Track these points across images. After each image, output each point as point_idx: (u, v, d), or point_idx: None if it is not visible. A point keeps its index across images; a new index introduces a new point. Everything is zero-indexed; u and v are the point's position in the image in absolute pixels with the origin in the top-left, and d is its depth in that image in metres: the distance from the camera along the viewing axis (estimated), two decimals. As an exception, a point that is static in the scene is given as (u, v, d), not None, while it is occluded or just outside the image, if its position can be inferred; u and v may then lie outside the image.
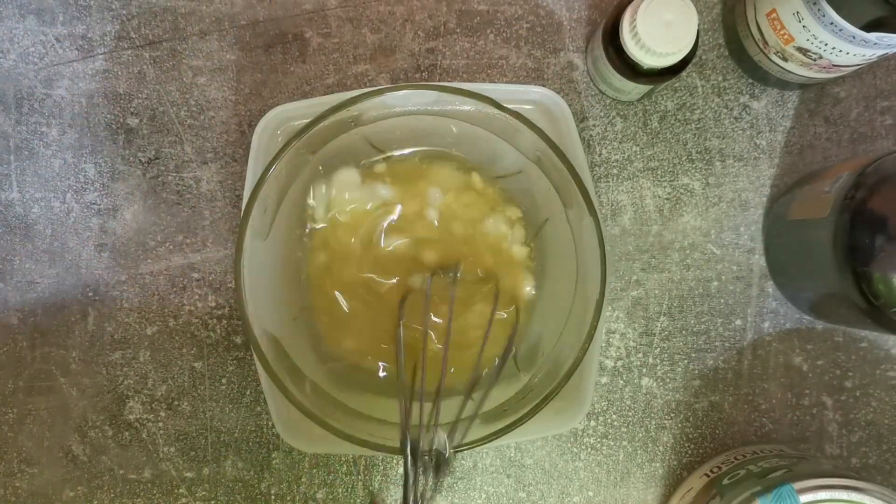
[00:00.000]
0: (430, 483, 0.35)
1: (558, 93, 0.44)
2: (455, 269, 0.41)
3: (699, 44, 0.45)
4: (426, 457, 0.35)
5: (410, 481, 0.34)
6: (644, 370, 0.47)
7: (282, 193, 0.40)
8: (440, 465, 0.35)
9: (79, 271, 0.47)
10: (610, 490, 0.48)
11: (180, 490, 0.47)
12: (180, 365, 0.47)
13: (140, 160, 0.48)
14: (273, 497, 0.47)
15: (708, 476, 0.44)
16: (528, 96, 0.42)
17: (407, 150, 0.43)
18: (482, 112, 0.38)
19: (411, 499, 0.34)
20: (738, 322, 0.48)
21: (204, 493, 0.47)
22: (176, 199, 0.47)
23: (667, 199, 0.48)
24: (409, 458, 0.35)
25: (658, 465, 0.48)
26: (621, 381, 0.47)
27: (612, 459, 0.47)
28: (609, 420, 0.47)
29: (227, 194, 0.47)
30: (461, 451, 0.37)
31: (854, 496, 0.37)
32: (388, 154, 0.43)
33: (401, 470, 0.47)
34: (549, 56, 0.48)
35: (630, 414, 0.47)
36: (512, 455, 0.47)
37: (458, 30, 0.48)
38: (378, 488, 0.47)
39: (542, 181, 0.41)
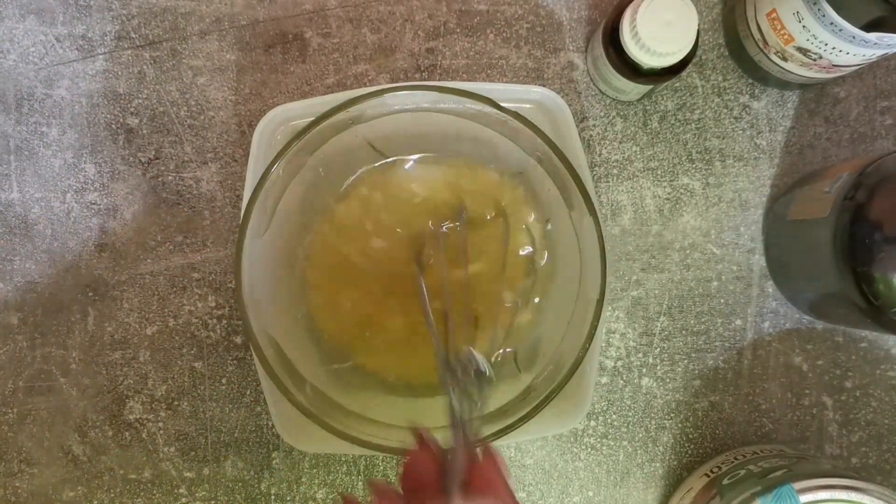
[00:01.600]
0: (474, 404, 0.34)
1: (558, 93, 0.44)
2: (461, 213, 0.41)
3: (699, 44, 0.45)
4: (465, 375, 0.35)
5: (454, 403, 0.33)
6: (644, 370, 0.47)
7: (280, 193, 0.40)
8: (482, 383, 0.35)
9: (79, 271, 0.47)
10: (610, 490, 0.48)
11: (180, 490, 0.47)
12: (180, 365, 0.47)
13: (140, 160, 0.48)
14: (273, 497, 0.47)
15: (708, 476, 0.44)
16: (528, 96, 0.42)
17: (407, 152, 0.43)
18: (482, 112, 0.38)
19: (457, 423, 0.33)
20: (738, 322, 0.48)
21: (204, 493, 0.47)
22: (176, 199, 0.47)
23: (667, 199, 0.48)
24: (449, 376, 0.34)
25: (658, 465, 0.48)
26: (621, 381, 0.47)
27: (612, 459, 0.47)
28: (609, 420, 0.47)
29: (227, 194, 0.47)
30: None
31: (854, 496, 0.37)
32: (388, 155, 0.43)
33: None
34: (549, 56, 0.48)
35: (630, 414, 0.47)
36: (512, 455, 0.47)
37: (458, 30, 0.48)
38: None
39: (542, 182, 0.41)
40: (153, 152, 0.48)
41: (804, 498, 0.37)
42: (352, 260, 0.43)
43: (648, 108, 0.48)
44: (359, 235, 0.43)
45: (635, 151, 0.48)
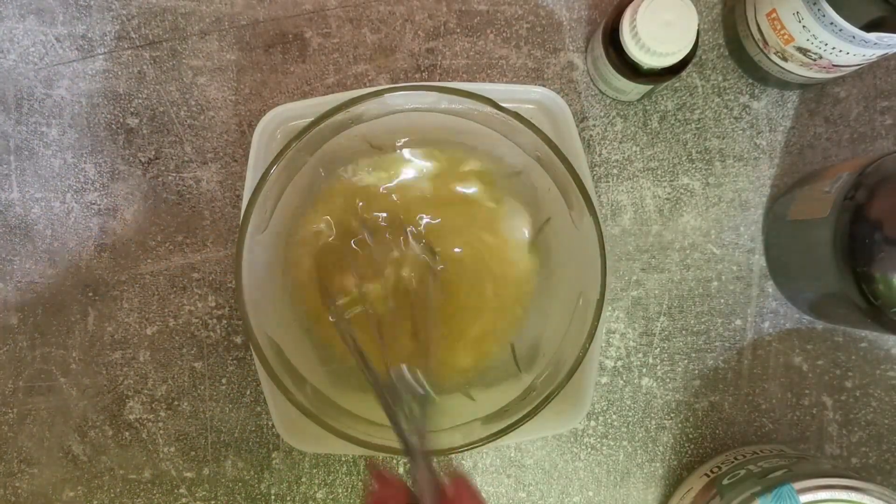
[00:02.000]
0: (419, 424, 0.33)
1: (558, 93, 0.44)
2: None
3: (699, 44, 0.45)
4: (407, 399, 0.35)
5: (402, 425, 0.33)
6: (644, 370, 0.47)
7: (280, 193, 0.40)
8: (422, 402, 0.35)
9: (79, 271, 0.47)
10: (610, 490, 0.48)
11: (180, 490, 0.47)
12: (180, 365, 0.47)
13: (140, 160, 0.48)
14: (273, 497, 0.47)
15: (708, 476, 0.44)
16: (528, 96, 0.42)
17: (406, 152, 0.43)
18: (482, 112, 0.38)
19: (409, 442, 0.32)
20: (738, 322, 0.48)
21: (204, 493, 0.47)
22: (176, 199, 0.47)
23: (667, 199, 0.48)
24: (390, 398, 0.34)
25: (658, 465, 0.48)
26: (621, 381, 0.47)
27: (612, 459, 0.47)
28: (609, 420, 0.47)
29: (227, 194, 0.47)
30: (463, 451, 0.37)
31: (854, 496, 0.37)
32: (386, 153, 0.43)
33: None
34: (549, 56, 0.48)
35: (630, 414, 0.47)
36: (512, 455, 0.47)
37: (458, 30, 0.48)
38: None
39: (542, 182, 0.41)
40: (153, 152, 0.48)
41: (804, 498, 0.37)
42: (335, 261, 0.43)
43: (648, 108, 0.48)
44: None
45: (635, 151, 0.48)
